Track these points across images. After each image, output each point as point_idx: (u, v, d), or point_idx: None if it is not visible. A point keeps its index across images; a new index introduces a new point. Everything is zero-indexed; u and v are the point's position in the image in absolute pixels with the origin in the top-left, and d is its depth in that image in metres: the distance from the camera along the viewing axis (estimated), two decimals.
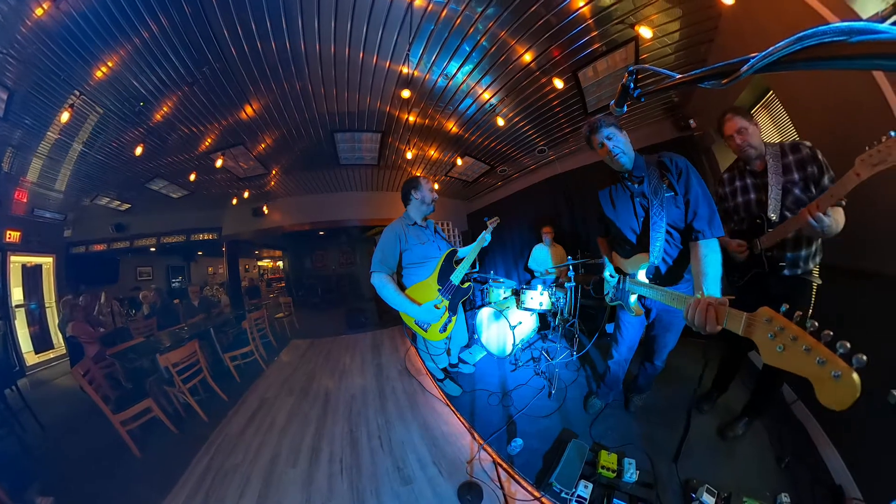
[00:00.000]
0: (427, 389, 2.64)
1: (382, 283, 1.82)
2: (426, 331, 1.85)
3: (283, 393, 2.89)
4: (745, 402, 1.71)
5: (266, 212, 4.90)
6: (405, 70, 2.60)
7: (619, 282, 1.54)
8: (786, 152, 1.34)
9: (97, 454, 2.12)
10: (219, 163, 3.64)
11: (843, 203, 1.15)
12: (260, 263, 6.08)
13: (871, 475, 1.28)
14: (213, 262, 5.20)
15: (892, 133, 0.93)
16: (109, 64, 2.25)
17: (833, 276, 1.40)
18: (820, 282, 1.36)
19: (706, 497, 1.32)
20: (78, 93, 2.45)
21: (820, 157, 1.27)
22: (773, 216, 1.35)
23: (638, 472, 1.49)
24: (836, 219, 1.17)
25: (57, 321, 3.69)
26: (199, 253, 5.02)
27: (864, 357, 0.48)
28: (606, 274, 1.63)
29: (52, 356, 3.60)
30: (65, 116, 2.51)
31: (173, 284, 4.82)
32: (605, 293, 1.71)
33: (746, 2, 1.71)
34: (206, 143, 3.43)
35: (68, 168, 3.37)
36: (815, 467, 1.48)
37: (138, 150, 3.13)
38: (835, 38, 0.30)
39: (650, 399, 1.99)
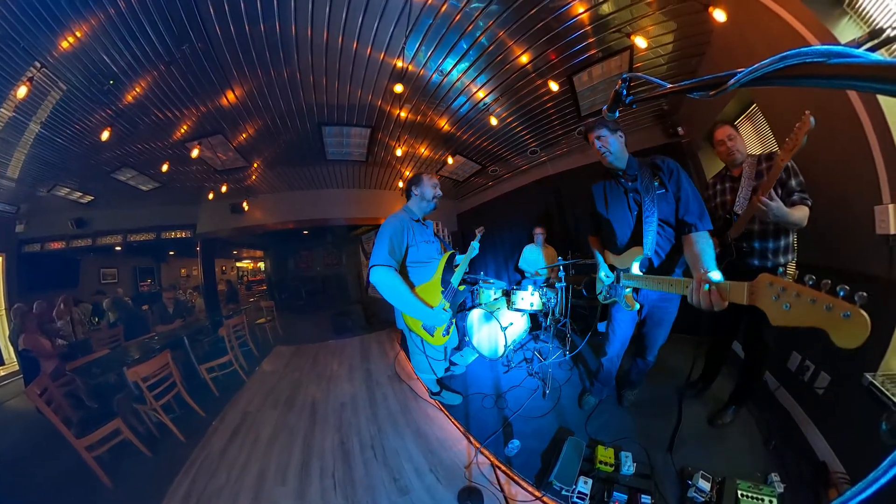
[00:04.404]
0: (419, 394, 2.58)
1: (390, 280, 1.56)
2: (433, 335, 1.70)
3: (266, 405, 2.73)
4: (732, 391, 1.81)
5: (246, 208, 4.62)
6: (399, 64, 2.54)
7: (614, 280, 1.58)
8: (761, 160, 1.53)
9: (60, 486, 1.86)
10: (195, 153, 3.37)
11: (809, 203, 1.37)
12: (239, 264, 5.74)
13: (851, 451, 1.39)
14: (187, 262, 4.83)
15: (811, 118, 1.10)
16: (77, 34, 2.00)
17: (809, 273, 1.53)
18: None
19: (701, 483, 1.37)
20: (39, 65, 2.15)
21: (790, 164, 1.41)
22: (740, 211, 1.51)
23: (635, 464, 1.53)
24: (798, 214, 1.36)
25: (7, 332, 3.27)
26: (171, 253, 4.65)
27: (865, 293, 0.49)
28: (601, 274, 1.64)
29: (2, 374, 3.18)
30: (22, 91, 2.20)
31: (141, 288, 4.43)
32: (599, 292, 1.73)
33: (737, 21, 1.83)
34: (182, 131, 3.16)
35: (23, 152, 2.97)
36: (801, 447, 1.59)
37: (105, 135, 2.81)
38: (815, 59, 0.33)
39: (642, 393, 2.05)
